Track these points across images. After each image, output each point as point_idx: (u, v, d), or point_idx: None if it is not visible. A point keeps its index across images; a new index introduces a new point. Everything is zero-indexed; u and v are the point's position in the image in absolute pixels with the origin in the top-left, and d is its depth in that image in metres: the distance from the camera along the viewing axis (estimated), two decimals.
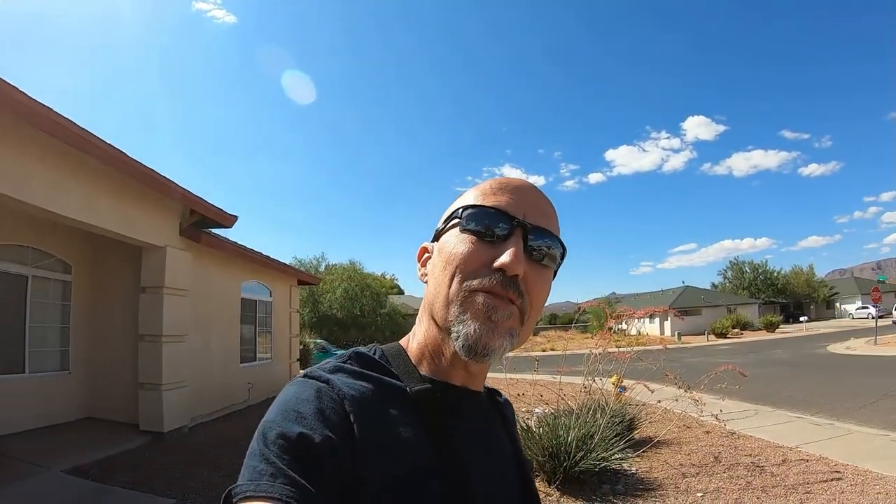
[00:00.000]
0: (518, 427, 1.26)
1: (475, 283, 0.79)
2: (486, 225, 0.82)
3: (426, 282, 0.90)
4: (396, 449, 0.74)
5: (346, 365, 0.83)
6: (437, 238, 0.91)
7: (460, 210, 0.85)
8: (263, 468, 0.66)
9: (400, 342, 0.94)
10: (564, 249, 0.88)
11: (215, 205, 9.71)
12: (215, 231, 10.97)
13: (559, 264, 0.89)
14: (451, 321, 0.80)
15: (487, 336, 0.78)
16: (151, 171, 7.91)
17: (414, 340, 0.92)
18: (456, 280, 0.81)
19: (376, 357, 0.87)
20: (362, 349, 0.89)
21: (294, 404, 0.73)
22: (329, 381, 0.77)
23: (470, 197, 0.88)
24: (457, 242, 0.83)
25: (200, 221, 9.84)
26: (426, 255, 0.94)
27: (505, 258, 0.78)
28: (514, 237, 0.81)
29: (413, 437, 0.76)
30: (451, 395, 0.86)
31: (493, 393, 1.07)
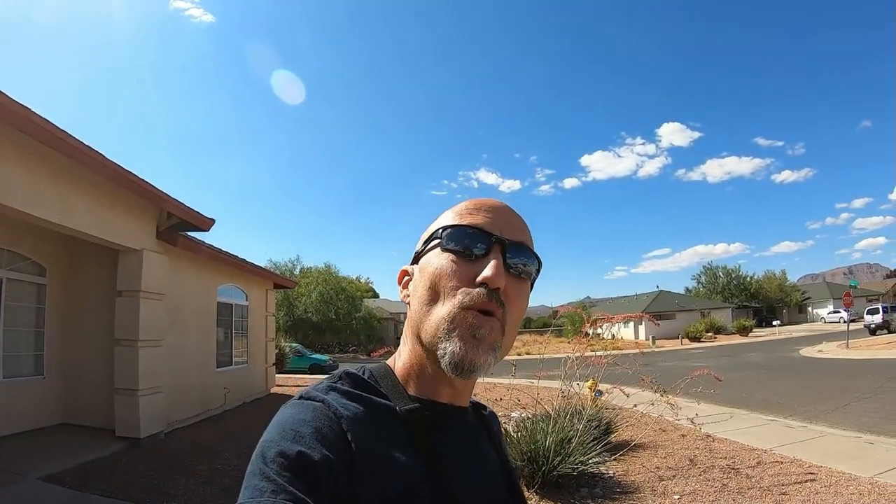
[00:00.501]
0: (504, 436, 1.25)
1: (463, 299, 0.81)
2: (466, 243, 0.85)
3: (409, 303, 0.91)
4: (389, 469, 0.75)
5: (339, 385, 0.84)
6: (416, 260, 0.93)
7: (440, 230, 0.88)
8: (264, 486, 0.67)
9: (387, 362, 0.95)
10: (540, 263, 0.91)
11: (192, 208, 9.63)
12: (192, 234, 10.88)
13: (535, 277, 0.92)
14: (438, 339, 0.81)
15: (473, 353, 0.80)
16: (129, 173, 7.83)
17: (400, 360, 0.93)
18: (441, 298, 0.83)
19: (366, 377, 0.88)
20: (352, 370, 0.90)
21: (292, 424, 0.74)
22: (325, 401, 0.79)
23: (447, 218, 0.91)
24: (439, 262, 0.85)
25: (177, 224, 9.74)
26: (407, 277, 0.96)
27: (487, 272, 0.80)
28: (494, 252, 0.84)
29: (404, 457, 0.78)
30: (439, 413, 0.87)
31: (478, 407, 1.08)
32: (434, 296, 0.84)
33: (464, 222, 0.87)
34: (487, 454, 0.99)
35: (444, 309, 0.82)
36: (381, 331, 56.00)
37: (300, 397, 0.82)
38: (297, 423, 0.74)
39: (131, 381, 8.56)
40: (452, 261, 0.84)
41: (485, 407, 1.11)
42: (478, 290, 0.81)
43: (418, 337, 0.87)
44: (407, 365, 0.91)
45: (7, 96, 5.51)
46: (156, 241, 9.32)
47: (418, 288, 0.88)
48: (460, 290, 0.81)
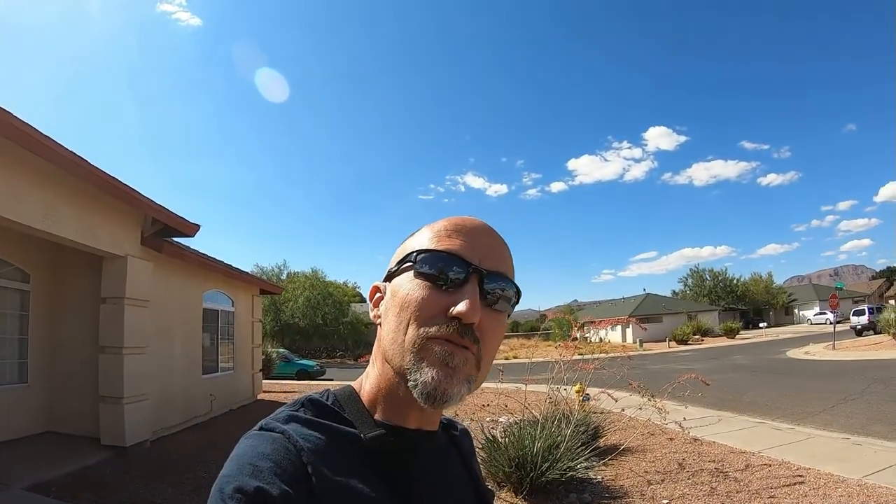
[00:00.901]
0: (477, 456, 1.20)
1: (431, 330, 0.77)
2: (441, 270, 0.80)
3: (379, 324, 0.88)
4: (353, 501, 0.73)
5: (300, 413, 0.81)
6: (389, 278, 0.88)
7: (414, 254, 0.83)
8: None
9: (352, 385, 0.92)
10: (519, 292, 0.87)
11: (177, 213, 9.58)
12: (177, 240, 10.82)
13: (513, 307, 0.87)
14: (408, 369, 0.78)
15: (446, 383, 0.77)
16: (114, 179, 7.78)
17: (367, 383, 0.89)
18: (411, 327, 0.79)
19: (329, 403, 0.85)
20: (315, 395, 0.86)
21: (250, 458, 0.71)
22: (284, 432, 0.76)
23: (424, 238, 0.86)
24: (411, 288, 0.81)
25: (162, 230, 9.70)
26: (378, 294, 0.92)
27: (462, 307, 0.76)
28: (470, 284, 0.79)
29: (368, 488, 0.75)
30: (406, 439, 0.84)
31: (448, 426, 1.05)
32: (403, 323, 0.80)
33: (441, 247, 0.82)
34: (458, 477, 0.97)
35: (410, 337, 0.78)
36: (368, 335, 55.68)
37: (260, 428, 0.79)
38: (256, 456, 0.71)
39: (116, 389, 8.49)
40: (425, 288, 0.80)
41: (456, 426, 1.08)
42: (449, 323, 0.77)
43: (387, 361, 0.83)
44: (374, 389, 0.87)
45: None
46: (140, 248, 9.26)
47: (389, 312, 0.84)
48: (430, 322, 0.78)
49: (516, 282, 0.87)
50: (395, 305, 0.82)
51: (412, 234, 0.90)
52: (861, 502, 5.78)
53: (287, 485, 0.68)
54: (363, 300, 67.82)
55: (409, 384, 0.78)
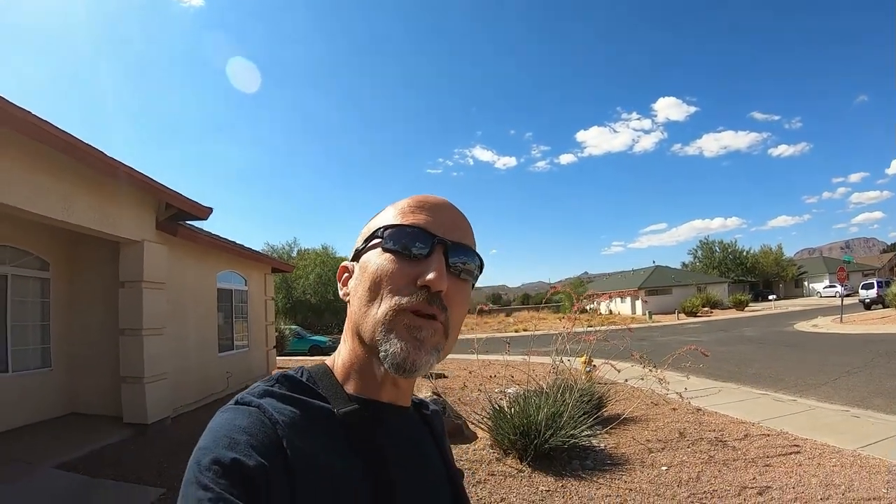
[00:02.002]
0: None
1: (403, 301, 0.81)
2: (408, 244, 0.84)
3: (349, 301, 0.90)
4: (327, 473, 0.75)
5: (275, 389, 0.83)
6: (357, 257, 0.92)
7: (381, 230, 0.87)
8: (202, 495, 0.65)
9: (325, 361, 0.94)
10: (482, 263, 0.92)
11: (190, 198, 9.76)
12: (191, 223, 11.04)
13: (477, 277, 0.92)
14: (379, 340, 0.82)
15: (415, 353, 0.80)
16: (128, 168, 7.96)
17: (340, 359, 0.92)
18: (382, 299, 0.83)
19: (303, 379, 0.87)
20: (290, 371, 0.89)
21: (226, 431, 0.73)
22: (260, 407, 0.77)
23: (389, 216, 0.90)
24: (380, 262, 0.84)
25: (176, 214, 9.88)
26: (346, 274, 0.95)
27: (430, 276, 0.80)
28: (436, 254, 0.84)
29: (342, 460, 0.78)
30: (379, 414, 0.87)
31: (420, 406, 1.08)
32: (373, 296, 0.84)
33: (406, 221, 0.86)
34: (430, 454, 0.99)
35: (381, 310, 0.82)
36: None
37: (236, 402, 0.80)
38: (232, 429, 0.73)
39: (137, 369, 8.77)
40: (393, 261, 0.84)
41: (427, 405, 1.11)
42: (418, 293, 0.81)
43: (358, 335, 0.87)
44: (347, 364, 0.90)
45: (7, 101, 5.63)
46: (155, 232, 9.46)
47: (358, 287, 0.87)
48: (400, 293, 0.82)
49: (480, 254, 0.92)
50: (365, 280, 0.86)
51: (377, 214, 0.95)
52: (853, 472, 5.95)
53: (262, 457, 0.70)
54: None
55: (381, 355, 0.81)
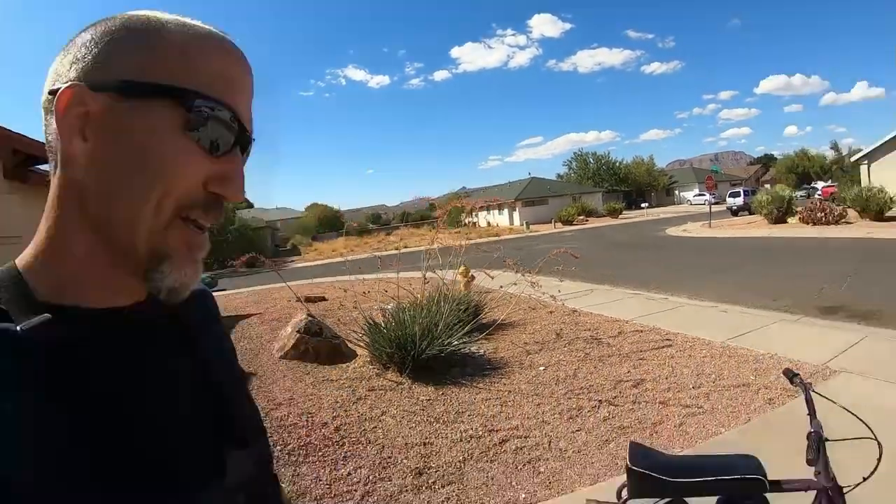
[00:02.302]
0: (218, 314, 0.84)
1: (193, 213, 0.60)
2: (217, 136, 0.60)
3: (81, 165, 0.59)
4: (8, 436, 0.49)
5: None
6: (109, 91, 0.57)
7: (192, 95, 0.58)
8: None
9: (16, 261, 0.63)
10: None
11: (40, 140, 8.84)
12: (45, 167, 10.05)
13: None
14: (151, 258, 0.59)
15: (192, 278, 0.63)
16: None
17: (36, 248, 0.63)
18: (158, 199, 0.57)
19: None
20: None
21: None
22: None
23: (177, 62, 0.59)
24: (177, 149, 0.58)
25: (26, 160, 8.98)
26: (82, 109, 0.58)
27: (235, 191, 0.62)
28: (237, 155, 0.63)
29: (23, 404, 0.51)
30: (88, 326, 0.60)
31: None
32: (147, 185, 0.57)
33: (223, 98, 0.60)
34: (172, 366, 0.68)
35: (161, 216, 0.58)
36: (258, 242, 54.87)
37: None
38: None
39: None
40: (193, 153, 0.59)
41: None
42: (206, 202, 0.61)
43: (101, 230, 0.59)
44: (47, 253, 0.62)
45: None
46: (3, 181, 8.55)
47: (121, 162, 0.57)
48: (189, 200, 0.60)
49: None
50: (138, 161, 0.57)
51: (147, 28, 0.60)
52: (722, 362, 6.22)
53: None
54: (250, 206, 65.61)
55: (150, 275, 0.60)
